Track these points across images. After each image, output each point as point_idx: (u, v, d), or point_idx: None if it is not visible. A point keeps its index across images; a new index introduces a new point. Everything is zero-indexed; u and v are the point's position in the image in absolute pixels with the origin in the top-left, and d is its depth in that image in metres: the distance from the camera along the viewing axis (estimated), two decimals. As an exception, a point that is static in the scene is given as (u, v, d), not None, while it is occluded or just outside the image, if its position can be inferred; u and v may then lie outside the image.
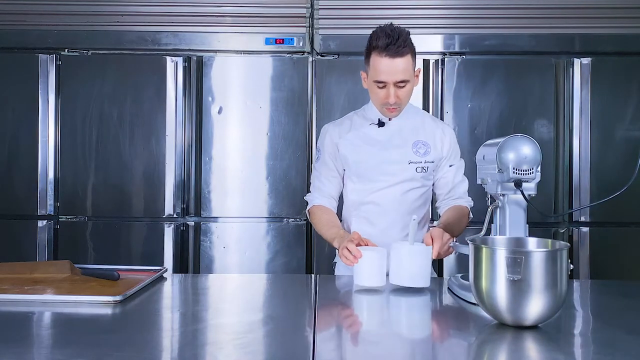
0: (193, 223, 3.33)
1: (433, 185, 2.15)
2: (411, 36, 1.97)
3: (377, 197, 2.08)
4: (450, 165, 2.12)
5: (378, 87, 1.98)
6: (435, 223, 2.29)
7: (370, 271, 1.76)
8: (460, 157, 2.17)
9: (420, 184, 2.09)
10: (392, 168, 2.06)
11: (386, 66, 1.93)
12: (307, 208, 2.20)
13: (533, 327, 1.37)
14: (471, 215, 2.13)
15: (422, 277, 1.73)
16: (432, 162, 2.09)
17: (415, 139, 2.09)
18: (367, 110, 2.14)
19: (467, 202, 2.13)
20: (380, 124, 2.09)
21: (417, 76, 2.04)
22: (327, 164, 2.16)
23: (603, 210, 3.23)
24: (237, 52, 3.38)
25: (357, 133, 2.11)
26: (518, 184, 1.55)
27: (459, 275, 1.80)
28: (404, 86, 1.97)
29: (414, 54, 1.98)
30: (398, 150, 2.07)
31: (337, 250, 1.98)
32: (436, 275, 2.25)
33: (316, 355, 1.20)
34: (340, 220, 2.16)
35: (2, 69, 3.30)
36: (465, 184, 2.14)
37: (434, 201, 2.20)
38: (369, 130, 2.10)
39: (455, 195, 2.12)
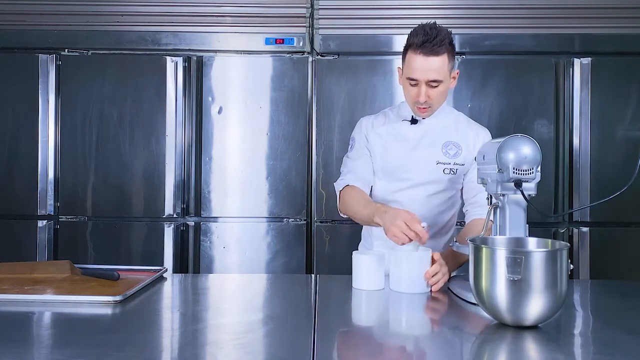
0: (193, 223, 3.33)
1: (461, 189, 2.09)
2: None
3: (400, 196, 2.04)
4: None
5: (410, 84, 1.94)
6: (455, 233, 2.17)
7: (368, 275, 1.78)
8: None
9: (447, 187, 2.03)
10: (418, 167, 2.02)
11: (419, 64, 1.89)
12: (339, 189, 2.09)
13: (533, 327, 1.37)
14: None
15: (421, 283, 1.74)
16: (462, 164, 2.03)
17: (447, 139, 2.04)
18: (402, 107, 2.11)
19: None
20: (413, 121, 2.06)
21: (455, 78, 1.99)
22: (362, 149, 2.11)
23: (603, 210, 3.23)
24: (237, 52, 3.37)
25: (389, 128, 2.09)
26: (518, 184, 1.55)
27: (459, 275, 1.80)
28: (436, 86, 1.92)
29: (451, 54, 1.93)
30: (427, 149, 2.03)
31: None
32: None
33: (316, 355, 1.20)
34: None
35: (2, 69, 3.30)
36: None
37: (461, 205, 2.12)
38: (400, 127, 2.08)
39: (481, 201, 2.01)
